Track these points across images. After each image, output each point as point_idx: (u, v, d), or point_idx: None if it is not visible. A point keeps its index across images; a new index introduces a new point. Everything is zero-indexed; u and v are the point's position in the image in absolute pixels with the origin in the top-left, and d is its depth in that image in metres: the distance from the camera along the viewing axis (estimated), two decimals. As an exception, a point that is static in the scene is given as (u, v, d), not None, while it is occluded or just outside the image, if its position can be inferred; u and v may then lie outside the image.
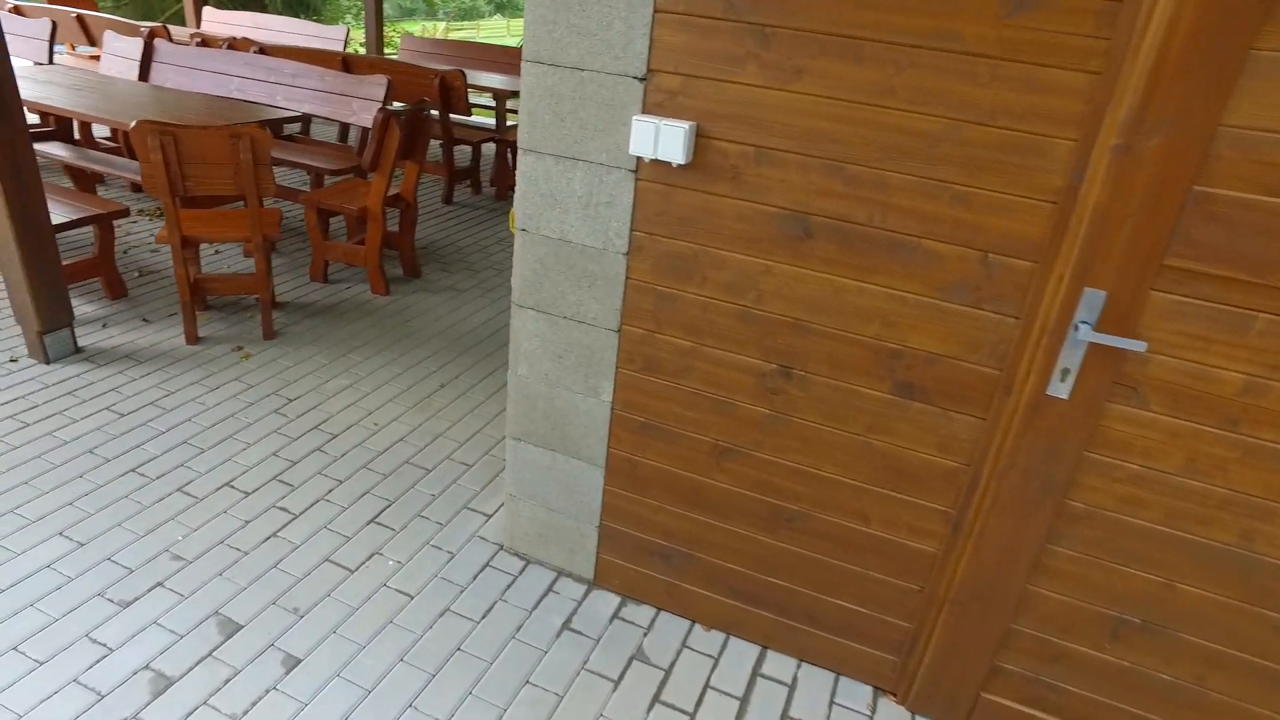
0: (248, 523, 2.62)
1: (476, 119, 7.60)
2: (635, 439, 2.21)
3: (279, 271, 4.56)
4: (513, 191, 6.80)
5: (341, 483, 2.85)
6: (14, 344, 3.52)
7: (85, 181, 5.44)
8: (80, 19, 7.11)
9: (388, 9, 22.19)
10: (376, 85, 4.96)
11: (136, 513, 2.62)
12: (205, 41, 6.63)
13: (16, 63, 5.31)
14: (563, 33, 1.86)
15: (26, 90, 4.41)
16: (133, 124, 3.18)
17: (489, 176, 6.83)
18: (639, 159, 1.90)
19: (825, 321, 1.86)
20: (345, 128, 7.02)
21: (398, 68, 5.91)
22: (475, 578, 2.49)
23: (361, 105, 5.01)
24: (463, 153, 7.26)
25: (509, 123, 6.82)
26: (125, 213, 3.82)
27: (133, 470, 2.81)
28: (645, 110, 1.84)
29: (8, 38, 6.31)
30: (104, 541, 2.49)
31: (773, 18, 1.66)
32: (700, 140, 1.82)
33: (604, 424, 2.22)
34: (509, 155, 6.38)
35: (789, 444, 2.02)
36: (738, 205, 1.84)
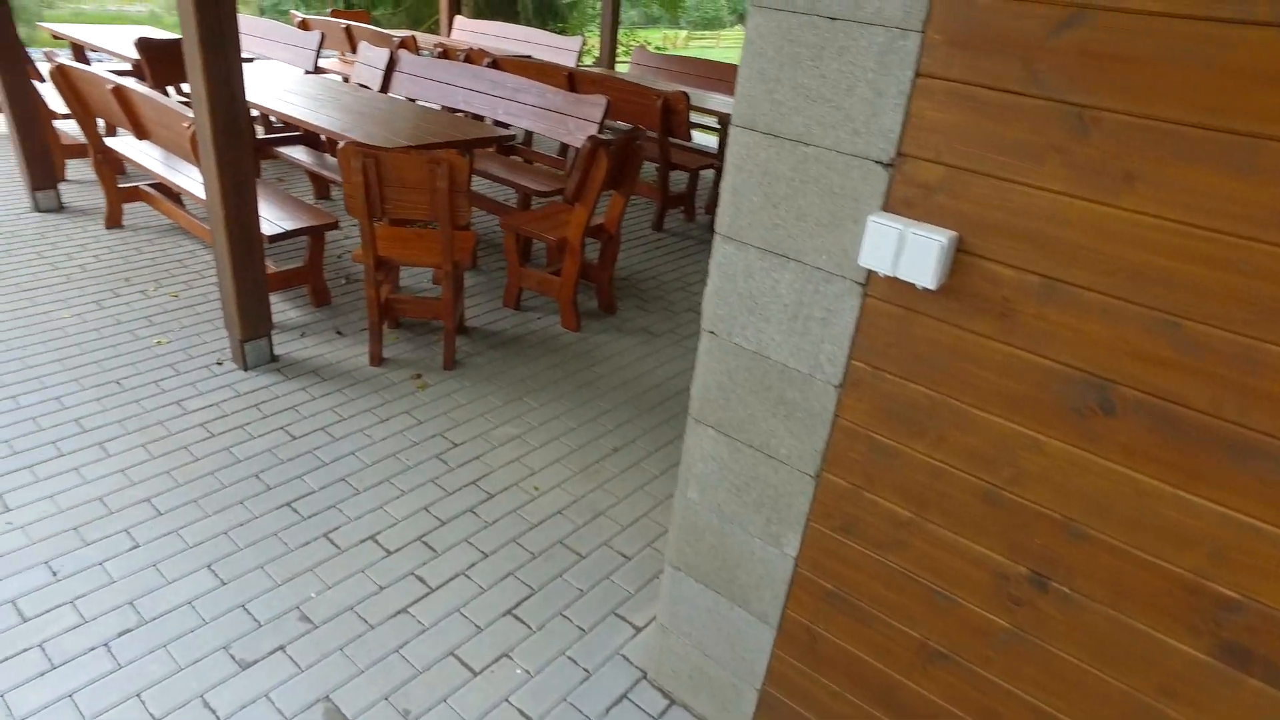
0: (382, 589, 2.43)
1: (697, 138, 7.31)
2: (820, 607, 1.73)
3: (474, 290, 4.49)
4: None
5: (487, 556, 2.60)
6: (223, 346, 3.63)
7: (321, 185, 5.73)
8: (348, 30, 7.61)
9: (632, 15, 22.57)
10: (594, 106, 4.77)
11: (281, 555, 2.51)
12: (445, 52, 6.83)
13: (289, 71, 5.68)
14: (786, 94, 1.42)
15: (278, 100, 4.63)
16: (340, 145, 3.13)
17: (704, 203, 6.50)
18: (871, 271, 1.42)
19: (1113, 531, 1.29)
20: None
21: (621, 86, 5.72)
22: (608, 711, 2.12)
23: (578, 125, 4.84)
24: (679, 176, 6.98)
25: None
26: (335, 225, 3.85)
27: (288, 504, 2.72)
28: (887, 207, 1.37)
29: (287, 49, 6.85)
30: (244, 584, 2.38)
31: (1100, 96, 1.13)
32: (961, 257, 1.32)
33: (783, 580, 1.76)
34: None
35: (1029, 672, 1.46)
36: (1004, 352, 1.32)
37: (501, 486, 2.92)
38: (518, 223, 4.06)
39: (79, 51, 6.84)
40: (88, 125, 4.55)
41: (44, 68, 5.92)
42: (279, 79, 5.22)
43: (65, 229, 4.76)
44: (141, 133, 4.03)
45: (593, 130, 4.75)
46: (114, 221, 4.82)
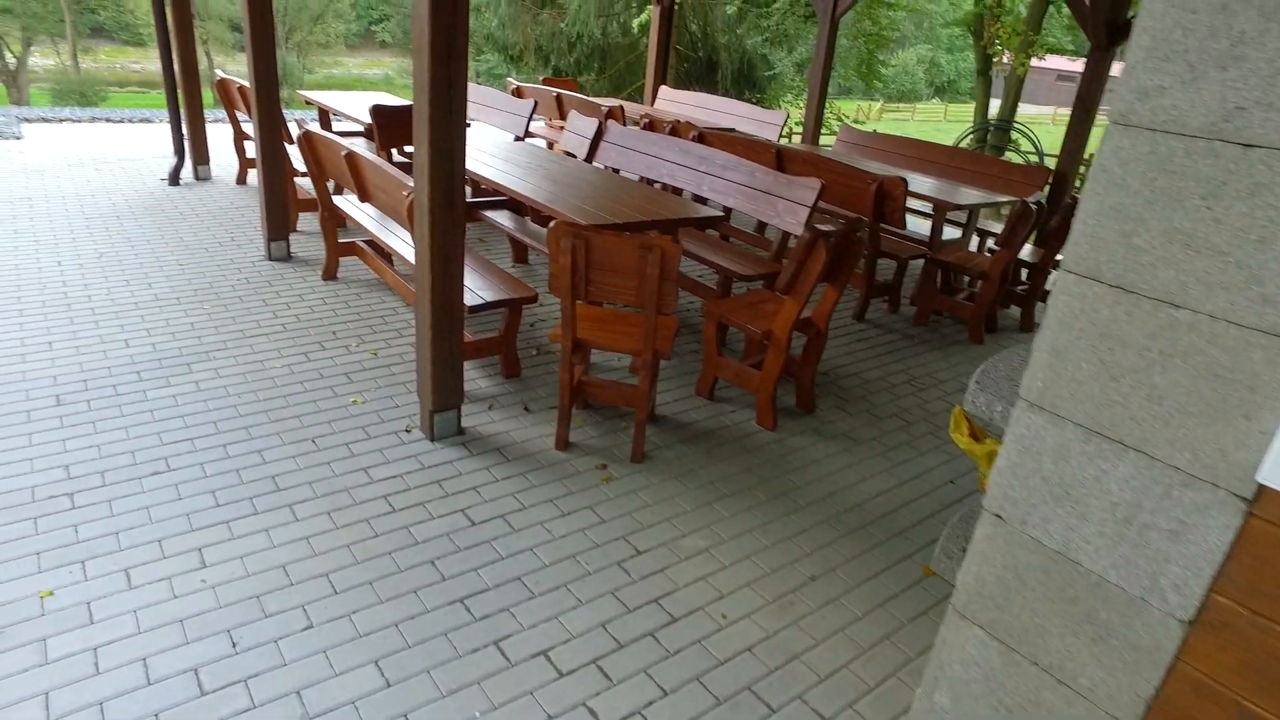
0: (550, 719, 2.19)
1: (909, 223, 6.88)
2: None
3: (666, 373, 4.30)
4: (937, 315, 6.04)
5: (666, 695, 2.31)
6: (413, 413, 3.63)
7: (520, 250, 5.82)
8: (559, 98, 7.88)
9: (801, 81, 22.10)
10: (806, 189, 4.52)
11: (449, 660, 2.34)
12: (652, 123, 6.87)
13: (501, 137, 5.88)
14: (1153, 240, 1.08)
15: (489, 166, 4.73)
16: (551, 224, 3.04)
17: (909, 294, 6.05)
18: (1264, 486, 1.03)
19: None
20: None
21: (832, 168, 5.45)
22: None
23: (788, 209, 4.60)
24: (884, 263, 6.58)
25: (944, 237, 5.98)
26: (534, 299, 3.80)
27: (461, 601, 2.57)
28: (1307, 406, 0.98)
29: (501, 115, 7.16)
30: (409, 690, 2.23)
31: None
32: None
33: (1063, 847, 1.35)
34: (939, 276, 5.54)
35: None
36: None
37: (686, 609, 2.64)
38: (722, 310, 3.84)
39: (325, 115, 7.48)
40: (320, 184, 4.84)
41: (293, 129, 6.49)
42: (491, 143, 5.38)
43: (289, 278, 5.07)
44: (365, 195, 4.20)
45: (803, 214, 4.50)
46: (330, 274, 5.09)
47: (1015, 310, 6.06)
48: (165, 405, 3.50)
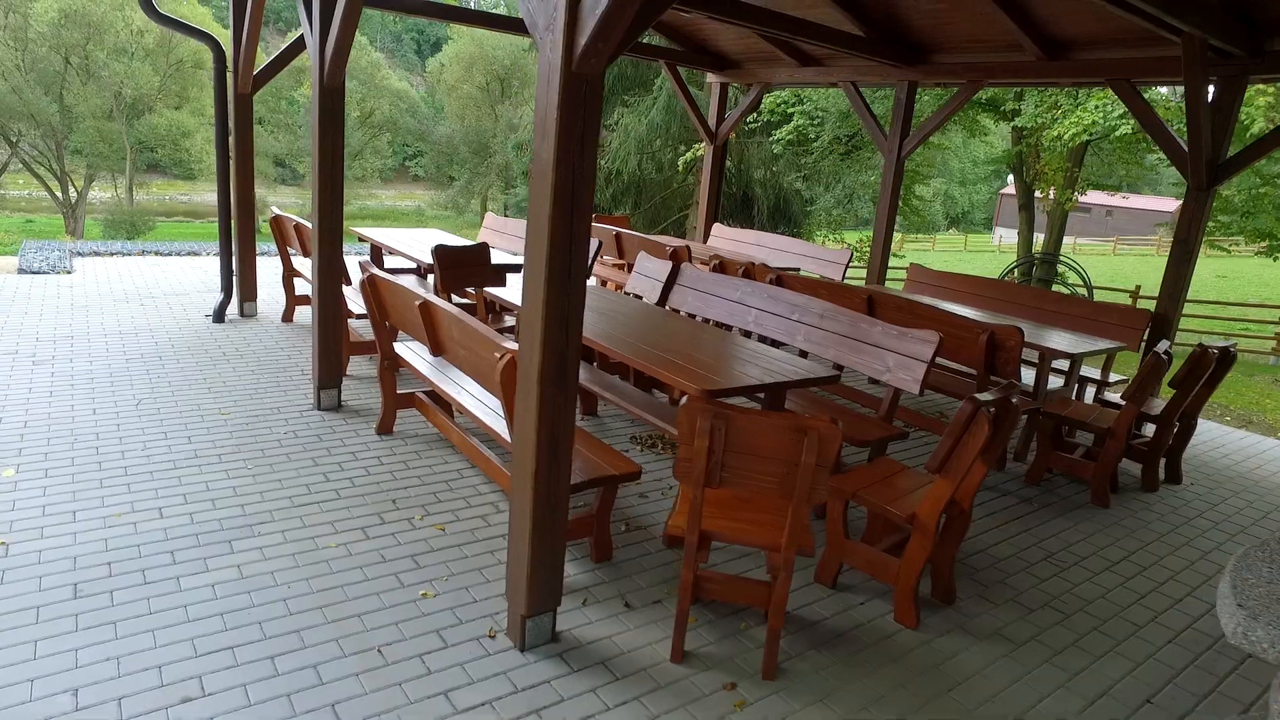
0: None
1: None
2: None
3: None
4: (1049, 473, 5.45)
5: None
6: (496, 610, 3.04)
7: (590, 402, 5.35)
8: (618, 236, 7.64)
9: (839, 214, 22.23)
10: (923, 343, 4.05)
11: None
12: (722, 265, 6.55)
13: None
14: None
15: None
16: (683, 400, 2.56)
17: (1013, 449, 5.49)
18: None
19: None
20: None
21: (932, 315, 5.02)
22: None
23: (900, 364, 4.12)
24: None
25: (1049, 386, 5.47)
26: (636, 475, 3.27)
27: None
28: None
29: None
30: None
31: None
32: None
33: None
34: (1049, 430, 4.99)
35: None
36: None
37: None
38: (854, 488, 3.29)
39: (376, 251, 7.25)
40: (382, 331, 4.44)
41: (352, 266, 6.21)
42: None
43: (340, 431, 4.59)
44: (438, 349, 3.77)
45: (920, 371, 4.02)
46: (386, 428, 4.61)
47: (1133, 466, 5.46)
48: (202, 599, 2.94)
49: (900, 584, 3.24)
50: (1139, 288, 14.46)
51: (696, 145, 12.92)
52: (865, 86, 8.34)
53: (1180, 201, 6.04)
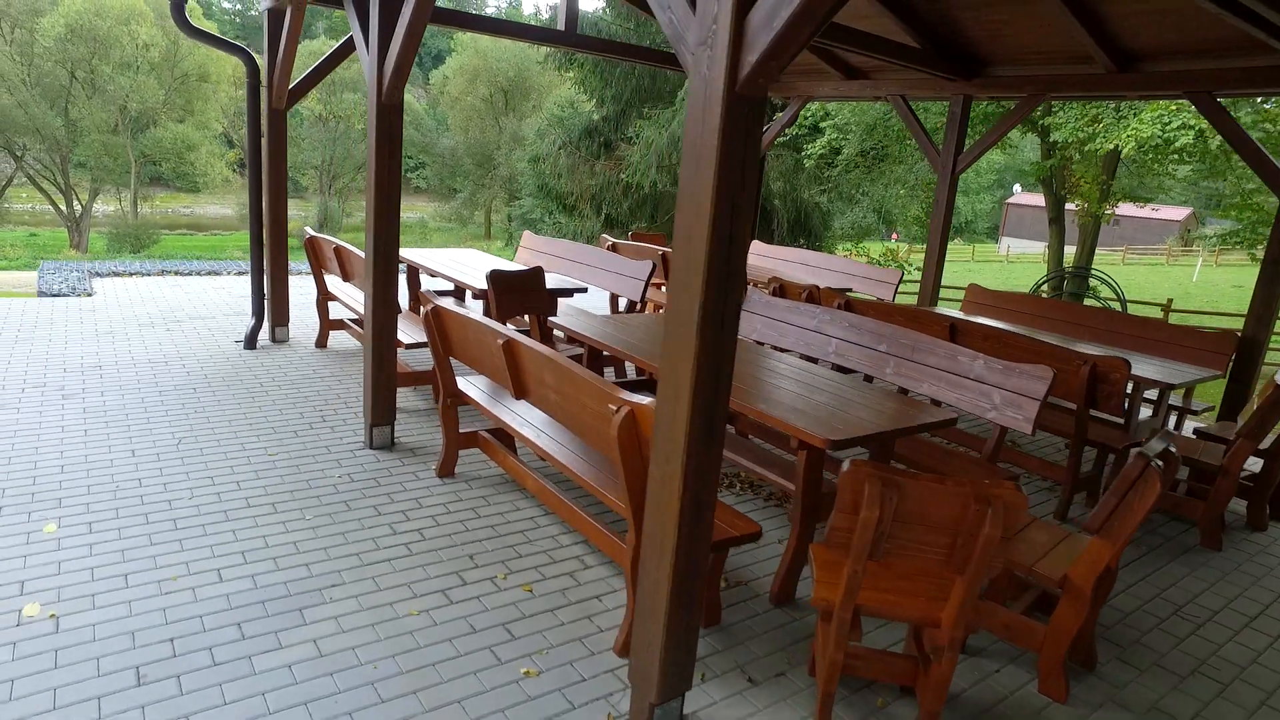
0: None
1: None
2: None
3: (888, 613, 3.37)
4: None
5: None
6: (609, 690, 2.70)
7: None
8: (665, 257, 7.32)
9: (841, 226, 21.74)
10: (1035, 380, 3.74)
11: None
12: (783, 289, 6.24)
13: (599, 300, 5.21)
14: None
15: (620, 340, 4.02)
16: (845, 465, 2.24)
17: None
18: None
19: None
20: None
21: (1024, 345, 4.71)
22: None
23: (1009, 401, 3.81)
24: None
25: (1140, 417, 5.16)
26: (757, 536, 2.95)
27: None
28: None
29: (612, 277, 6.53)
30: None
31: None
32: None
33: None
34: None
35: None
36: None
37: None
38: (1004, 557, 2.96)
39: (413, 273, 6.93)
40: (445, 368, 4.12)
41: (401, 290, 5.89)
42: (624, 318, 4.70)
43: (398, 474, 4.26)
44: (522, 391, 3.45)
45: (1032, 410, 3.70)
46: (447, 470, 4.28)
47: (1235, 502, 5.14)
48: (281, 684, 2.60)
49: (1047, 653, 2.91)
50: (1171, 301, 14.18)
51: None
52: (917, 100, 8.05)
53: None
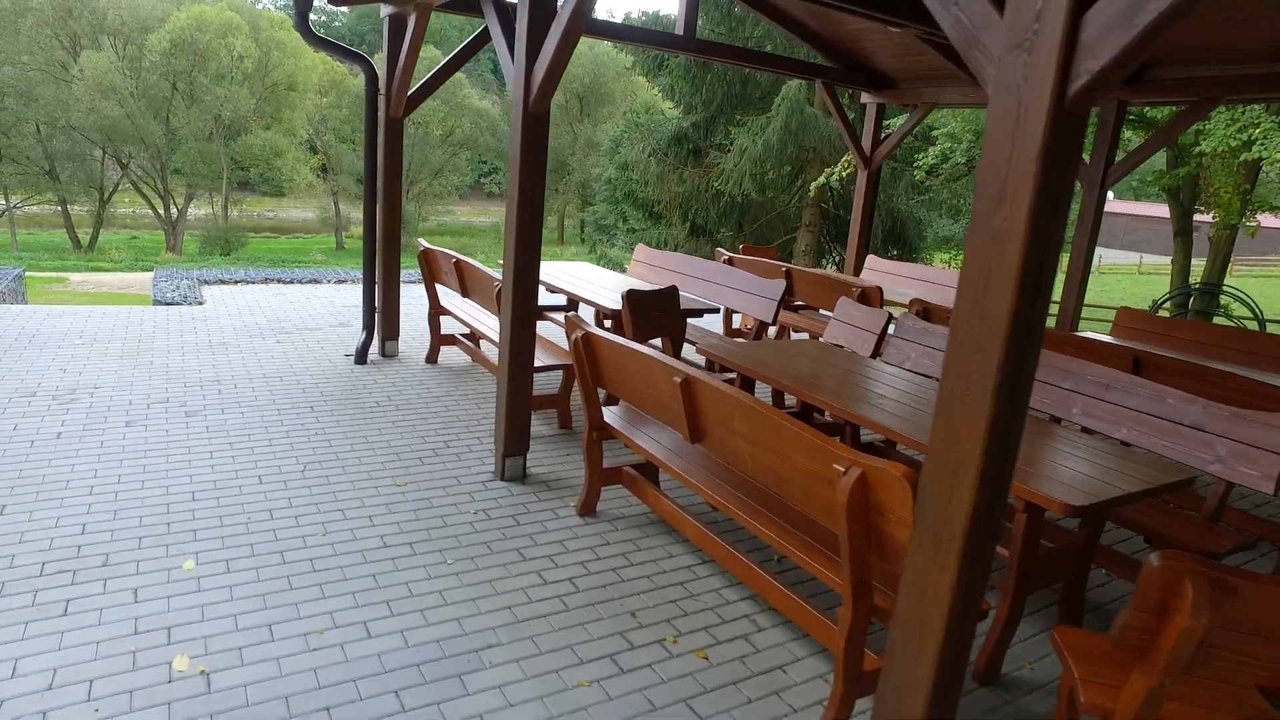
0: None
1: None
2: None
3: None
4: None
5: None
6: (817, 795, 2.33)
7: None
8: (789, 273, 6.92)
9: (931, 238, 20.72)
10: (1274, 430, 3.23)
11: None
12: (928, 312, 5.78)
13: (712, 323, 4.82)
14: None
15: (859, 403, 3.64)
16: (1154, 558, 1.82)
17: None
18: None
19: None
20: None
21: (1231, 383, 4.16)
22: None
23: (1239, 453, 3.29)
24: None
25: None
26: (984, 615, 2.53)
27: None
28: None
29: (742, 296, 6.12)
30: None
31: None
32: None
33: None
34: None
35: None
36: None
37: None
38: None
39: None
40: (593, 401, 3.82)
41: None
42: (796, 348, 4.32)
43: (535, 511, 3.98)
44: (699, 435, 3.10)
45: (1272, 465, 3.19)
46: (589, 508, 3.98)
47: None
48: (454, 771, 2.31)
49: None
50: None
51: (829, 170, 12.14)
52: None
53: None
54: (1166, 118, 10.55)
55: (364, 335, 6.32)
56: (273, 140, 36.06)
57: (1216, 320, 12.75)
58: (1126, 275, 37.46)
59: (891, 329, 4.97)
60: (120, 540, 3.40)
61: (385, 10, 5.92)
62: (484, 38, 5.65)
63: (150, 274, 11.53)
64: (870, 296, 6.00)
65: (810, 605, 2.71)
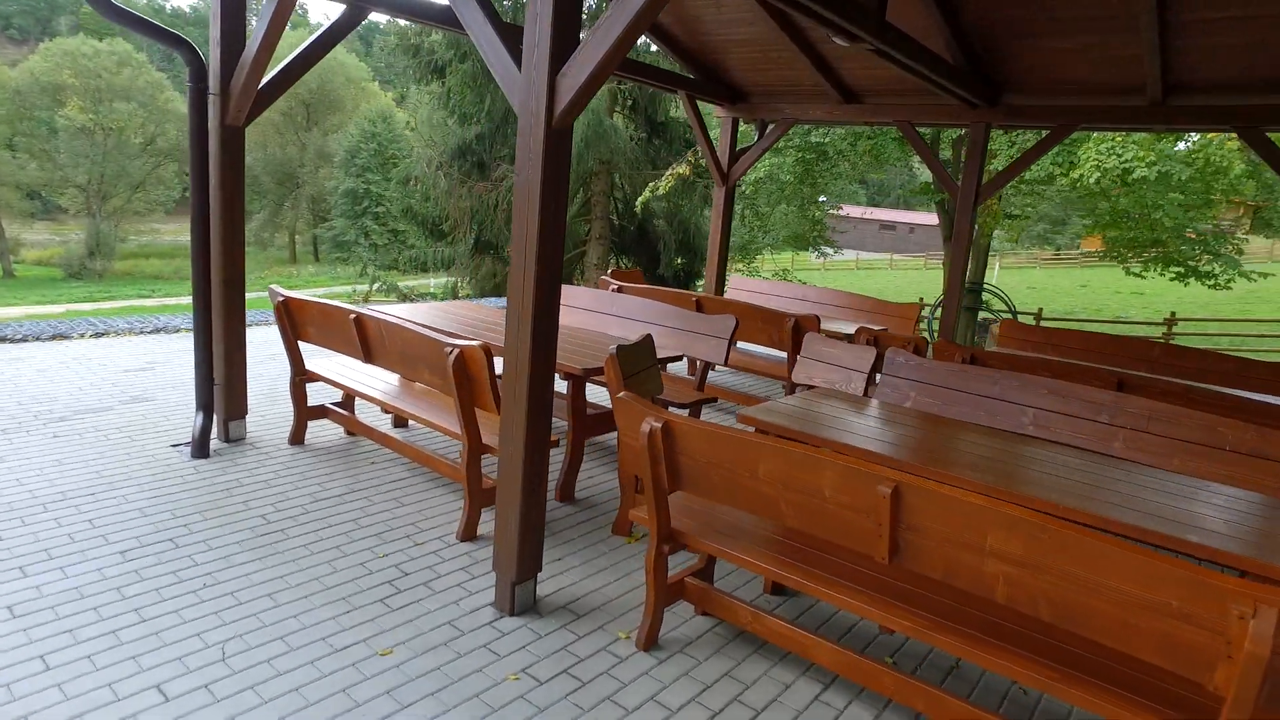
0: None
1: None
2: None
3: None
4: None
5: None
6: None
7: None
8: (699, 302, 6.30)
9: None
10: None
11: None
12: (876, 339, 5.48)
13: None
14: None
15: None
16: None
17: None
18: None
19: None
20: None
21: (1247, 407, 4.25)
22: None
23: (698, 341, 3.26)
24: None
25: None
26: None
27: None
28: None
29: (686, 337, 5.26)
30: None
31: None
32: None
33: None
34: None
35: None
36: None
37: None
38: None
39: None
40: (664, 510, 2.93)
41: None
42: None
43: (589, 659, 3.00)
44: (895, 551, 2.37)
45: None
46: (652, 640, 3.08)
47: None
48: None
49: None
50: (1041, 310, 15.11)
51: (653, 184, 11.75)
52: (926, 126, 7.66)
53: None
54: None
55: (200, 417, 4.71)
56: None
57: (981, 315, 14.30)
58: (881, 272, 42.10)
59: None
60: None
61: (213, -16, 4.43)
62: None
63: None
64: (806, 327, 5.60)
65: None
